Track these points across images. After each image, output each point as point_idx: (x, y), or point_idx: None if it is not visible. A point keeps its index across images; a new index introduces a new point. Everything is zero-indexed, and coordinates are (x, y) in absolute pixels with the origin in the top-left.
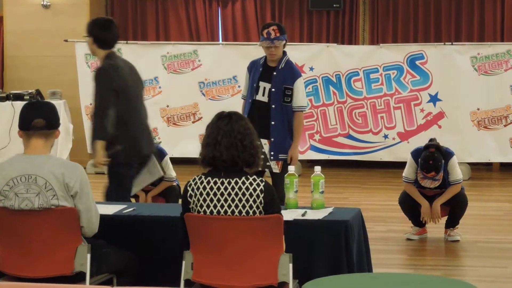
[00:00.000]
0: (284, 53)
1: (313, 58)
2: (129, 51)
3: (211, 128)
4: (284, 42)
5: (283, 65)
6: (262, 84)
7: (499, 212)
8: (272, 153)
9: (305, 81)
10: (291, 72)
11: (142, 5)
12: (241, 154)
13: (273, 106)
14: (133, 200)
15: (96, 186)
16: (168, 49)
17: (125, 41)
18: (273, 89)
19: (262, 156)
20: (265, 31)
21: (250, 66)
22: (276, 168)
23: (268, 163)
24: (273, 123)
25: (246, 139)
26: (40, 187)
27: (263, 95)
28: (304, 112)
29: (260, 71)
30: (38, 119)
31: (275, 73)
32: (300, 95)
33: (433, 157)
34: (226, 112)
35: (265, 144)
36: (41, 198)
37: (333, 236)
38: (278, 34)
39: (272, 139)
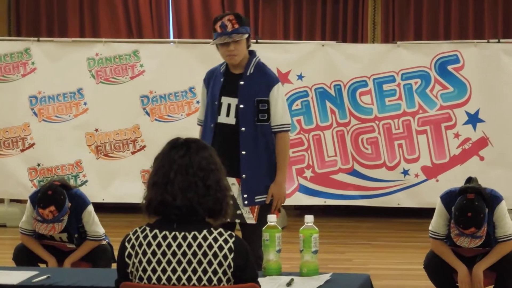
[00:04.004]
0: (252, 53)
1: (303, 62)
2: (41, 52)
3: (160, 161)
4: (246, 36)
5: (252, 70)
6: (225, 100)
7: None
8: (245, 196)
9: (292, 94)
10: (265, 77)
11: None
12: (203, 198)
13: (242, 129)
14: (42, 266)
15: None
16: (97, 49)
17: (36, 38)
18: (241, 105)
19: (231, 202)
20: (218, 24)
21: (207, 78)
22: (251, 218)
23: (238, 211)
24: (243, 152)
25: (210, 178)
26: None
27: (228, 115)
28: (289, 131)
29: (221, 82)
30: None
31: (242, 82)
32: (280, 108)
33: (472, 207)
34: (182, 139)
35: (233, 184)
36: None
37: None
38: (236, 26)
39: (244, 175)
